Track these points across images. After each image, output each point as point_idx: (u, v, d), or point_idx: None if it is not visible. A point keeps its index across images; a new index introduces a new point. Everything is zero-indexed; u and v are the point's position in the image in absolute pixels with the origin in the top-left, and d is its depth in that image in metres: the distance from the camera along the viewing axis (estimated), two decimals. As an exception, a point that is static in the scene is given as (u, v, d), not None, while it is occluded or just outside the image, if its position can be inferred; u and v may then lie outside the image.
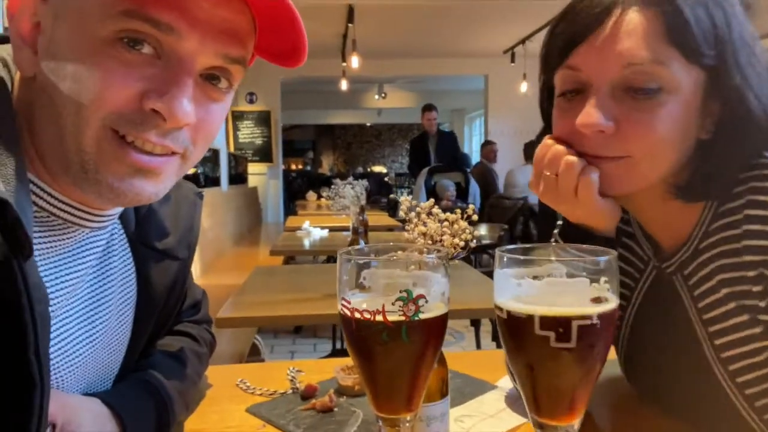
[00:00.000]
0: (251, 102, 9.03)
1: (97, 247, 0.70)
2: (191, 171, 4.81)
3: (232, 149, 8.47)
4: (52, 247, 0.63)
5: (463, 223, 0.66)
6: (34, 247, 0.59)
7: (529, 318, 0.50)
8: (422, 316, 0.52)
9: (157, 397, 0.75)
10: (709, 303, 0.71)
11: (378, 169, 17.04)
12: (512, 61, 7.81)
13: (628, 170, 0.68)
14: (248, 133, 9.09)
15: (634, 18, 0.65)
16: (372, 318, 0.51)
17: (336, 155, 17.74)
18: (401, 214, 0.65)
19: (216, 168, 5.84)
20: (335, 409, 0.88)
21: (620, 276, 0.85)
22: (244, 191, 7.34)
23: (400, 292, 0.51)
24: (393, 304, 0.51)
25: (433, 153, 6.98)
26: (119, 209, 0.71)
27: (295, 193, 11.93)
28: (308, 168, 16.84)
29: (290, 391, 0.96)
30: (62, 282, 0.65)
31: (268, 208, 9.08)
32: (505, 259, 0.54)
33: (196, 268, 3.67)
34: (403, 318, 0.51)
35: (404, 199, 0.65)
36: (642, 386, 0.88)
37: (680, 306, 0.75)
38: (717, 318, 0.70)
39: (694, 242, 0.73)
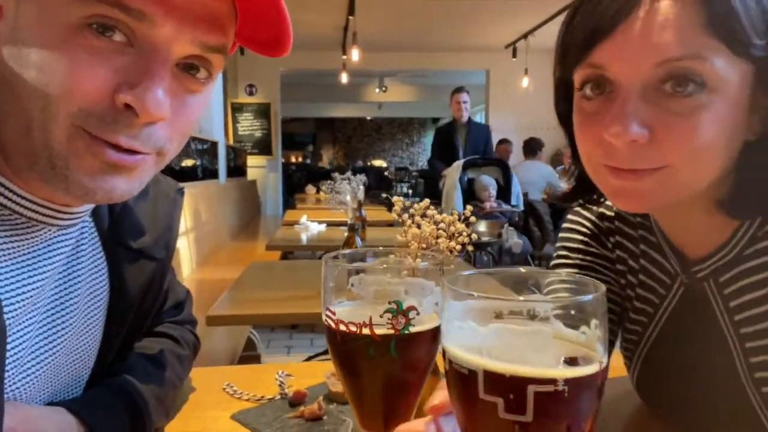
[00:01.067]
0: (251, 94, 8.97)
1: (65, 246, 0.66)
2: (190, 163, 4.78)
3: (231, 141, 8.41)
4: (13, 248, 0.59)
5: (461, 226, 0.60)
6: (-6, 248, 0.55)
7: (472, 374, 0.38)
8: (413, 329, 0.48)
9: (131, 403, 0.70)
10: (748, 317, 0.64)
11: (378, 163, 16.99)
12: (514, 56, 7.75)
13: (666, 181, 0.59)
14: (247, 125, 9.03)
15: (667, 6, 0.54)
16: (358, 331, 0.47)
17: (336, 149, 17.67)
18: (394, 215, 0.60)
19: (214, 160, 5.79)
20: (324, 417, 0.84)
21: (643, 292, 0.79)
22: (242, 184, 7.29)
23: (389, 303, 0.47)
24: (381, 316, 0.47)
25: (461, 146, 5.76)
26: (90, 206, 0.66)
27: (294, 186, 11.88)
28: (308, 161, 16.78)
29: (278, 396, 0.92)
30: (24, 286, 0.60)
31: (267, 202, 9.03)
32: (455, 291, 0.41)
33: (192, 262, 3.63)
34: (392, 331, 0.47)
35: (397, 200, 0.59)
36: (659, 405, 0.82)
37: (711, 318, 0.69)
38: (756, 333, 0.63)
39: (736, 247, 0.65)
